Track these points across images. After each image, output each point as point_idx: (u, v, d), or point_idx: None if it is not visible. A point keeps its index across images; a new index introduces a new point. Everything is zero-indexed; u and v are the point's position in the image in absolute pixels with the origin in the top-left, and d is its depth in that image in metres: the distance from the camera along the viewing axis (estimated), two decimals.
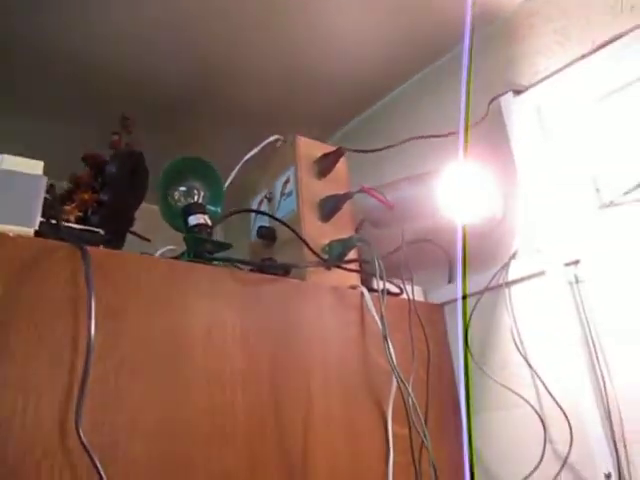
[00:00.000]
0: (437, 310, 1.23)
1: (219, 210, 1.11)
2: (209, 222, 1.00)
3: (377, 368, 1.04)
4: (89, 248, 0.76)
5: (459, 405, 1.15)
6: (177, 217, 1.03)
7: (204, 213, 1.01)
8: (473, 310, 1.16)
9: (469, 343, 1.16)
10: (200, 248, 0.96)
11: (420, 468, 0.96)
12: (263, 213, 1.22)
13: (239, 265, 1.02)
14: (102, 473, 0.65)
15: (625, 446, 0.94)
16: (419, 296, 1.25)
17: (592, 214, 1.03)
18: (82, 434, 0.66)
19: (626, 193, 0.98)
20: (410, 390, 0.98)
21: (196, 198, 1.07)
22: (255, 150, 1.26)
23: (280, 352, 0.94)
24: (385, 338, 0.97)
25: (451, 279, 1.25)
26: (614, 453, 0.94)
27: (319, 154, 1.21)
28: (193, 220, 1.00)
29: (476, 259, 1.19)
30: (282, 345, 0.95)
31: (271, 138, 1.27)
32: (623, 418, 0.95)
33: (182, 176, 1.08)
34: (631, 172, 0.99)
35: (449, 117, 1.23)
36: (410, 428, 0.97)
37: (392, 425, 1.00)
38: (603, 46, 1.10)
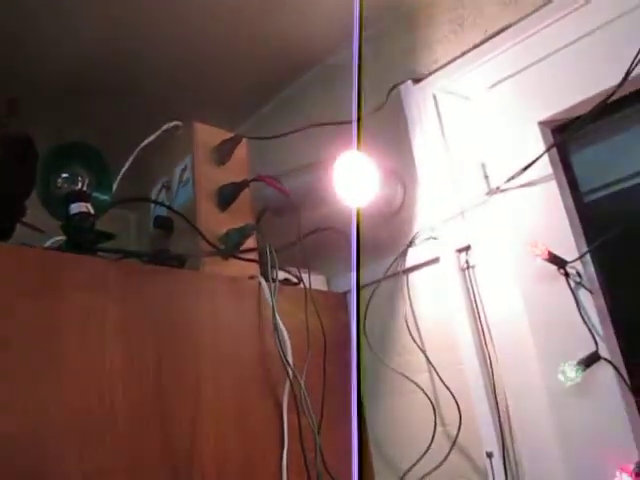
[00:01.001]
0: (338, 299, 1.23)
1: (108, 198, 1.06)
2: (92, 210, 0.95)
3: (273, 359, 1.02)
4: None
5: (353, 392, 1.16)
6: (59, 205, 0.97)
7: (87, 201, 0.96)
8: (371, 298, 1.16)
9: (367, 331, 1.16)
10: (80, 238, 0.91)
11: (309, 456, 0.96)
12: (151, 201, 1.18)
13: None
14: None
15: (510, 426, 0.97)
16: (321, 285, 1.24)
17: (481, 200, 1.05)
18: None
19: (510, 179, 1.00)
20: (303, 379, 0.97)
21: (80, 185, 1.01)
22: (152, 137, 1.21)
23: (167, 347, 0.91)
24: (275, 328, 0.96)
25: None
26: (499, 433, 0.96)
27: (218, 141, 1.18)
28: (75, 208, 0.95)
29: (377, 247, 1.19)
30: (170, 339, 0.92)
31: (170, 124, 1.23)
32: (508, 400, 0.97)
33: (66, 162, 1.02)
34: (517, 158, 1.01)
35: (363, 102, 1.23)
36: (302, 417, 0.96)
37: (287, 415, 1.00)
38: (493, 36, 1.12)
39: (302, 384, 0.96)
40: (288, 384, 0.99)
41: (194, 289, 0.99)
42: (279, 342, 0.95)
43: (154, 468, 0.83)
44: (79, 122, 1.55)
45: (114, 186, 1.09)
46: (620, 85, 0.90)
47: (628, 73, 0.90)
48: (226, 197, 1.12)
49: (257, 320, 1.05)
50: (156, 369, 0.88)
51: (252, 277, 1.08)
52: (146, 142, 1.20)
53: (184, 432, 0.88)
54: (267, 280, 1.07)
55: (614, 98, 0.94)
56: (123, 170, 1.18)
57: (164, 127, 1.22)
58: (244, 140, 1.20)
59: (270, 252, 1.01)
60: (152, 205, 1.25)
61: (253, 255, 1.11)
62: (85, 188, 1.01)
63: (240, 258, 1.07)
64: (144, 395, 0.85)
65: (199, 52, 1.42)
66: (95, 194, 1.03)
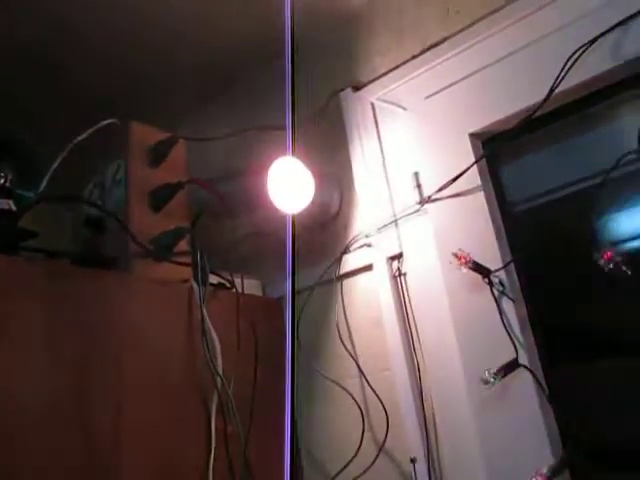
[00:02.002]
0: (273, 304, 1.22)
1: (34, 196, 1.02)
2: (13, 207, 0.92)
3: (203, 365, 1.01)
4: None
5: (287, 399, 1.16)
6: None
7: (9, 198, 0.93)
8: (305, 304, 1.16)
9: (301, 337, 1.16)
10: None
11: (236, 463, 0.95)
12: (79, 200, 1.14)
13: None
14: None
15: (435, 431, 0.99)
16: (256, 290, 1.23)
17: (413, 209, 1.07)
18: None
19: (441, 189, 1.02)
20: (231, 386, 0.96)
21: (2, 181, 0.97)
22: (85, 134, 1.17)
23: (93, 351, 0.88)
24: (204, 333, 0.94)
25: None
26: (425, 438, 0.98)
27: (154, 141, 1.16)
28: None
29: (312, 253, 1.20)
30: (96, 343, 0.90)
31: (105, 122, 1.20)
32: (434, 406, 0.99)
33: None
34: (448, 168, 1.03)
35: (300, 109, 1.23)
36: (228, 424, 0.95)
37: (215, 421, 0.98)
38: (431, 48, 1.14)
39: (230, 391, 0.95)
40: (217, 392, 0.98)
41: (123, 292, 0.97)
42: (207, 347, 0.94)
43: (74, 469, 0.80)
44: (14, 119, 1.49)
45: (43, 183, 1.06)
46: (544, 101, 0.93)
47: (552, 90, 0.93)
48: (160, 198, 1.10)
49: (188, 325, 1.03)
50: (79, 374, 0.85)
51: (184, 281, 1.07)
52: (78, 139, 1.16)
53: (105, 441, 0.85)
54: (199, 284, 1.06)
55: (541, 113, 0.98)
56: (53, 167, 1.14)
57: (98, 125, 1.19)
58: (181, 141, 1.18)
59: (202, 255, 0.99)
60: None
61: (186, 258, 1.10)
62: (8, 184, 0.98)
63: (172, 261, 1.05)
64: (60, 404, 0.82)
65: (140, 51, 1.39)
66: (21, 191, 0.99)
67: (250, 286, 1.20)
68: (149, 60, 1.43)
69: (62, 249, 0.97)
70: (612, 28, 0.91)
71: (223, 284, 1.13)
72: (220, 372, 0.97)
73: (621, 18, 0.90)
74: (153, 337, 0.98)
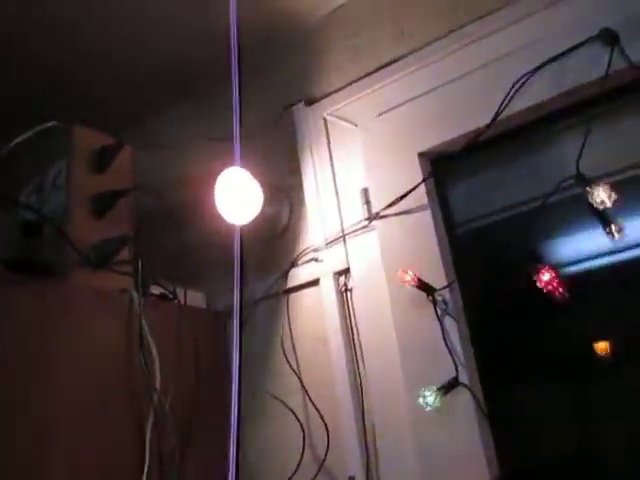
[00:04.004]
0: (216, 318, 1.19)
1: None
2: None
3: (140, 378, 0.98)
4: None
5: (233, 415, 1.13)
6: None
7: None
8: (250, 318, 1.14)
9: (244, 351, 1.13)
10: None
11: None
12: (14, 203, 1.09)
13: None
14: None
15: (375, 449, 0.98)
16: (200, 303, 1.20)
17: (361, 225, 1.07)
18: None
19: (389, 206, 1.03)
20: (168, 401, 0.93)
21: None
22: (25, 135, 1.13)
23: (23, 362, 0.84)
24: (142, 346, 0.91)
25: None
26: (365, 456, 0.97)
27: (99, 146, 1.12)
28: None
29: (259, 266, 1.18)
30: (27, 354, 0.86)
31: (47, 124, 1.15)
32: (375, 423, 0.99)
33: None
34: (397, 186, 1.04)
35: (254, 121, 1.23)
36: (164, 441, 0.92)
37: (150, 437, 0.95)
38: (385, 66, 1.15)
39: (166, 407, 0.92)
40: (152, 406, 0.94)
41: (59, 300, 0.93)
42: (144, 361, 0.91)
43: None
44: None
45: None
46: (489, 125, 0.96)
47: (497, 114, 0.96)
48: (102, 205, 1.07)
49: (126, 337, 1.00)
50: (8, 385, 0.81)
51: (123, 290, 1.03)
52: (16, 142, 1.12)
53: (33, 457, 0.81)
54: (145, 295, 1.03)
55: (488, 136, 1.00)
56: None
57: (40, 127, 1.15)
58: (128, 148, 1.15)
59: (143, 264, 0.96)
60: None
61: (128, 268, 1.06)
62: None
63: (112, 269, 1.02)
64: None
65: (89, 54, 1.35)
66: None
67: (194, 298, 1.18)
68: (99, 62, 1.39)
69: None
70: (555, 58, 0.94)
71: (165, 295, 1.10)
72: (157, 386, 0.94)
73: (564, 49, 0.94)
74: (89, 348, 0.94)
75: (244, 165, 1.06)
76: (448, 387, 0.89)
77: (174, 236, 1.12)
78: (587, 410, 1.23)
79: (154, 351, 0.97)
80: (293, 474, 1.01)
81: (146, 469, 0.92)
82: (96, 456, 0.89)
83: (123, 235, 1.02)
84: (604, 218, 0.87)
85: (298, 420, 1.04)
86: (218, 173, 1.09)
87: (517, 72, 0.96)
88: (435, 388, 0.88)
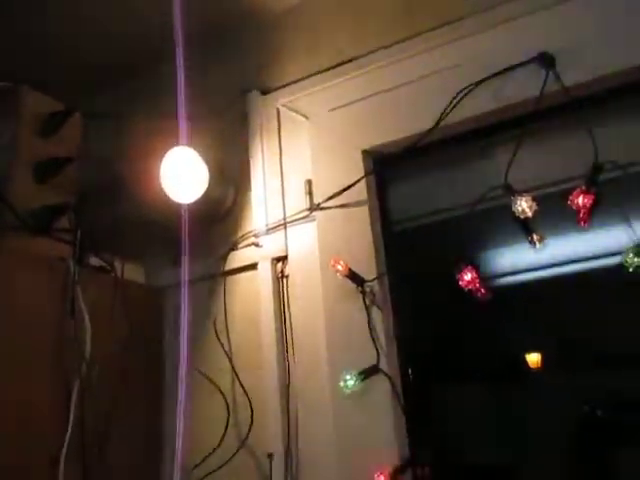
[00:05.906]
0: (154, 293, 1.21)
1: None
2: None
3: (70, 347, 0.98)
4: None
5: (160, 391, 1.16)
6: None
7: None
8: (186, 297, 1.16)
9: (180, 330, 1.15)
10: None
11: (90, 453, 0.93)
12: None
13: None
14: None
15: (297, 429, 1.02)
16: (139, 277, 1.21)
17: (302, 214, 1.11)
18: None
19: (329, 198, 1.07)
20: (96, 371, 0.94)
21: None
22: None
23: None
24: (73, 315, 0.92)
25: (176, 263, 1.24)
26: (286, 436, 1.01)
27: (49, 111, 1.11)
28: None
29: (203, 246, 1.20)
30: None
31: None
32: (299, 405, 1.03)
33: None
34: (340, 180, 1.08)
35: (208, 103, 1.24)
36: (87, 411, 0.93)
37: (75, 405, 0.96)
38: (341, 64, 1.19)
39: (94, 376, 0.93)
40: (79, 375, 0.95)
41: None
42: (75, 330, 0.91)
43: None
44: None
45: None
46: (430, 130, 1.01)
47: (438, 121, 1.01)
48: (46, 171, 1.06)
49: (60, 306, 1.00)
50: None
51: (62, 259, 1.03)
52: None
53: None
54: (83, 265, 1.03)
55: (429, 141, 1.05)
56: None
57: None
58: (77, 115, 1.14)
59: (82, 235, 0.97)
60: None
61: (68, 236, 1.06)
62: None
63: (50, 237, 1.02)
64: None
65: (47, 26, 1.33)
66: None
67: (133, 272, 1.19)
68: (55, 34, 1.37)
69: None
70: (497, 74, 1.00)
71: (103, 267, 1.10)
72: (87, 356, 0.95)
73: (506, 65, 0.99)
74: (21, 314, 0.95)
75: (193, 145, 1.08)
76: (368, 372, 0.93)
77: (117, 209, 1.12)
78: (506, 413, 1.31)
79: (87, 321, 0.98)
80: (215, 449, 1.03)
81: (68, 435, 0.93)
82: (16, 424, 0.89)
83: (64, 203, 1.02)
84: (527, 227, 0.93)
85: (225, 398, 1.07)
86: (166, 150, 1.10)
87: (462, 83, 1.02)
88: (356, 372, 0.93)
